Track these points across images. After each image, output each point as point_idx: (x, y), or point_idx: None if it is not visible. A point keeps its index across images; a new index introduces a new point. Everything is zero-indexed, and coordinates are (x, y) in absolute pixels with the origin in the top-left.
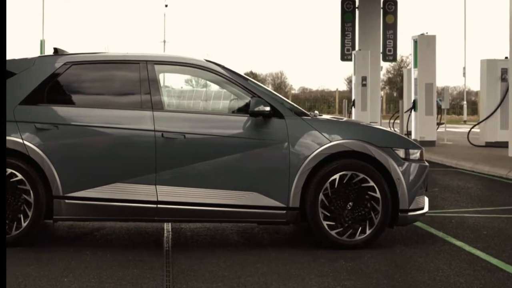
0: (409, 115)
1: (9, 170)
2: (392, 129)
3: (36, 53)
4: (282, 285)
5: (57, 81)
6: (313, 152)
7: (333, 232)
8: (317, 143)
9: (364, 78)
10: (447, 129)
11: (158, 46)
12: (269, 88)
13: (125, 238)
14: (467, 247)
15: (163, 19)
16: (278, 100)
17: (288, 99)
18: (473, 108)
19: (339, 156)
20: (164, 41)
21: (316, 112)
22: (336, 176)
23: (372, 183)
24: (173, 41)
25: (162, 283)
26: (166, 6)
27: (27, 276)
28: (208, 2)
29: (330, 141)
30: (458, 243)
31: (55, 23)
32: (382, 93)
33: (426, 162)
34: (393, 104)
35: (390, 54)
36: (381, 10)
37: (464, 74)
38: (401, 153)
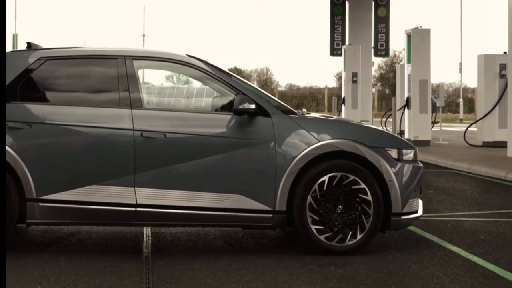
0: (402, 113)
1: None
2: (384, 128)
3: (8, 48)
4: None
5: (31, 78)
6: (300, 153)
7: (322, 237)
8: (305, 143)
9: (354, 74)
10: (442, 128)
11: (137, 41)
12: (255, 85)
13: (102, 243)
14: (464, 253)
15: (143, 11)
16: (264, 97)
17: (274, 96)
18: (470, 106)
19: (328, 156)
20: (144, 35)
21: (304, 110)
22: (325, 178)
23: (363, 185)
24: (153, 35)
25: None
26: None
27: None
28: None
29: (319, 141)
30: (454, 248)
31: (29, 16)
32: (373, 90)
33: (420, 163)
34: (385, 101)
35: (382, 49)
36: (373, 3)
37: (460, 70)
38: (393, 153)
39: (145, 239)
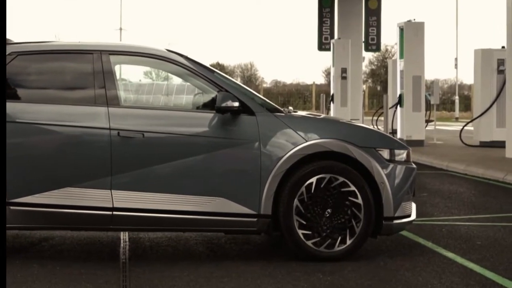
0: (394, 111)
1: None
2: (375, 127)
3: None
4: None
5: None
6: (287, 153)
7: (309, 242)
8: (291, 143)
9: (344, 70)
10: (437, 127)
11: (113, 35)
12: (238, 81)
13: (77, 249)
14: (459, 259)
15: (119, 3)
16: (248, 94)
17: (259, 93)
18: (466, 104)
19: (316, 157)
20: (121, 29)
21: (291, 108)
22: (313, 180)
23: (353, 188)
24: (131, 29)
25: None
26: None
27: None
28: None
29: (306, 141)
30: (449, 254)
31: None
32: (364, 86)
33: (413, 164)
34: (376, 99)
35: (373, 43)
36: None
37: (456, 66)
38: (385, 154)
39: (122, 245)
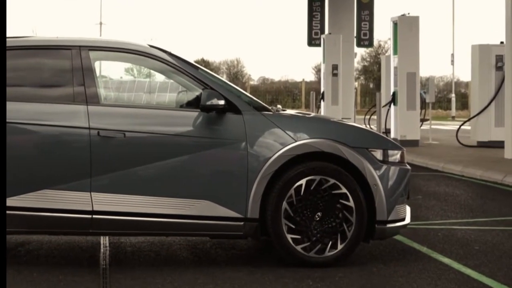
0: (388, 110)
1: None
2: (367, 126)
3: None
4: None
5: None
6: (275, 154)
7: (298, 247)
8: (280, 143)
9: (335, 67)
10: (433, 126)
11: (93, 29)
12: (224, 79)
13: (55, 254)
14: (456, 265)
15: None
16: (234, 92)
17: (246, 91)
18: (463, 102)
19: (306, 158)
20: (101, 23)
21: (279, 106)
22: (302, 182)
23: (344, 190)
24: (111, 23)
25: None
26: None
27: None
28: None
29: (295, 141)
30: (446, 260)
31: None
32: (356, 84)
33: (407, 165)
34: (369, 97)
35: (365, 38)
36: None
37: (452, 62)
38: (378, 154)
39: (102, 250)
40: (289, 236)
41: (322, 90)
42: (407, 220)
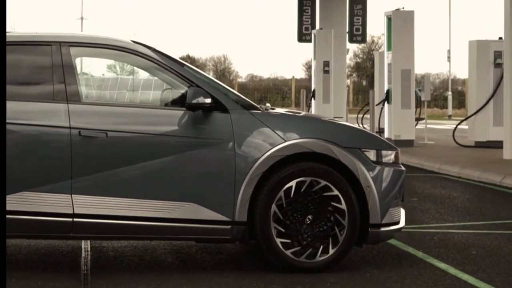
0: (382, 108)
1: None
2: (360, 125)
3: None
4: None
5: None
6: (264, 154)
7: (288, 252)
8: (269, 143)
9: (326, 63)
10: (428, 125)
11: (74, 24)
12: (210, 76)
13: (34, 259)
14: (453, 270)
15: None
16: (222, 90)
17: (233, 89)
18: (460, 100)
19: (296, 159)
20: (82, 18)
21: (268, 105)
22: (292, 183)
23: (336, 192)
24: (93, 18)
25: None
26: None
27: None
28: None
29: (285, 141)
30: (442, 265)
31: None
32: (348, 81)
33: (402, 166)
34: (362, 95)
35: (358, 34)
36: None
37: (448, 59)
38: (371, 155)
39: (83, 255)
40: (278, 240)
41: (313, 87)
42: (402, 223)
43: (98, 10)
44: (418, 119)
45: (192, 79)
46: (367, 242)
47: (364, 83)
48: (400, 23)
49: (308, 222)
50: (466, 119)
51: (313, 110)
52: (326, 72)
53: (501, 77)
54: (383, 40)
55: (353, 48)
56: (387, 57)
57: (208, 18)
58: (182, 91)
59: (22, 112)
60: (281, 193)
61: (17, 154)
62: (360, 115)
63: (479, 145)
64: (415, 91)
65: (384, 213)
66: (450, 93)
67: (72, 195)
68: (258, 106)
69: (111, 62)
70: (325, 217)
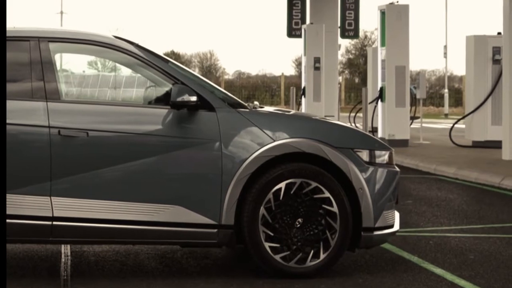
0: (375, 107)
1: None
2: (353, 125)
3: None
4: None
5: None
6: (252, 154)
7: (277, 257)
8: (257, 143)
9: (317, 60)
10: (424, 124)
11: (54, 19)
12: (196, 73)
13: (12, 264)
14: (449, 276)
15: None
16: (208, 87)
17: (220, 86)
18: (457, 98)
19: (286, 159)
20: (62, 12)
21: (256, 103)
22: (282, 185)
23: (327, 194)
24: (73, 13)
25: None
26: None
27: None
28: None
29: (274, 140)
30: (438, 270)
31: None
32: (340, 78)
33: (396, 167)
34: (354, 92)
35: (350, 28)
36: None
37: (445, 55)
38: (364, 155)
39: (63, 259)
40: (267, 245)
41: (303, 85)
42: (396, 227)
43: (79, 4)
44: (413, 118)
45: (177, 76)
46: (359, 247)
47: (356, 80)
48: (395, 18)
49: (298, 225)
50: (463, 117)
51: (303, 109)
52: (317, 68)
53: (500, 74)
54: (377, 35)
55: (345, 43)
56: (381, 53)
57: (193, 12)
58: (166, 88)
59: None
60: (270, 195)
61: None
62: (353, 114)
63: (477, 145)
64: (410, 89)
65: (377, 216)
66: (446, 90)
67: (52, 197)
68: (246, 104)
69: (92, 58)
70: (316, 221)
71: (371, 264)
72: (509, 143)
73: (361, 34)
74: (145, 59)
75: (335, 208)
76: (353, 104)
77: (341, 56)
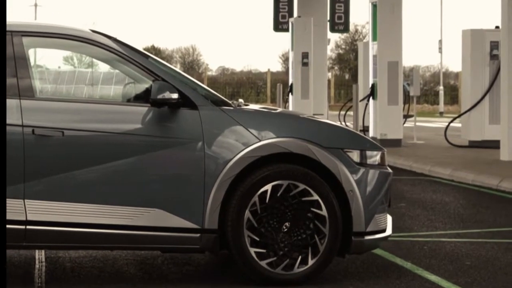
0: (366, 104)
1: None
2: (343, 123)
3: None
4: None
5: None
6: (236, 155)
7: (263, 263)
8: (242, 143)
9: (305, 55)
10: (418, 123)
11: (27, 12)
12: (177, 69)
13: None
14: (445, 283)
15: None
16: (190, 84)
17: (203, 83)
18: (453, 96)
19: (272, 160)
20: (36, 5)
21: (241, 100)
22: (268, 187)
23: (316, 197)
24: (48, 5)
25: None
26: None
27: None
28: None
29: (260, 140)
30: (433, 277)
31: None
32: (329, 74)
33: (389, 168)
34: (344, 90)
35: (340, 22)
36: None
37: (440, 50)
38: (355, 156)
39: (37, 266)
40: (252, 250)
41: (290, 81)
42: (388, 231)
43: None
44: (406, 116)
45: (157, 72)
46: (350, 252)
47: (346, 76)
48: (387, 11)
49: (285, 230)
50: (459, 116)
51: (290, 107)
52: (305, 64)
53: (498, 70)
54: (368, 29)
55: (334, 38)
56: (372, 48)
57: (175, 5)
58: (146, 85)
59: None
60: (256, 198)
61: None
62: (343, 112)
63: (474, 145)
64: (403, 86)
65: (369, 220)
66: (441, 87)
67: (25, 200)
68: (230, 102)
69: (68, 53)
70: (304, 225)
71: (362, 271)
72: (508, 143)
73: (351, 28)
74: (124, 54)
75: (324, 212)
76: (343, 102)
77: (330, 51)
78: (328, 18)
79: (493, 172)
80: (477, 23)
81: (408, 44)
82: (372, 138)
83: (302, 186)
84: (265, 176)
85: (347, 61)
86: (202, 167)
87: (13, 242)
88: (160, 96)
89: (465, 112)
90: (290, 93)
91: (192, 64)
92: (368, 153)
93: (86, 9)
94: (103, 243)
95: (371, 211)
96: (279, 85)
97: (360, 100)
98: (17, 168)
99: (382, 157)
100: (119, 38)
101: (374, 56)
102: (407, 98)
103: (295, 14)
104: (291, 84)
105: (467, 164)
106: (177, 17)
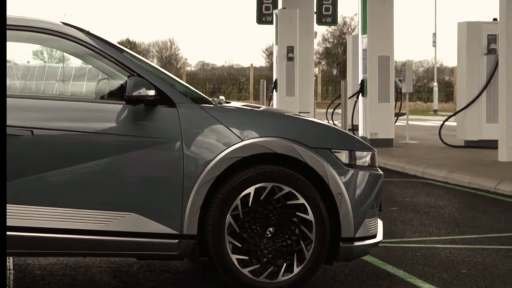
0: (355, 102)
1: None
2: (330, 122)
3: None
4: None
5: None
6: (217, 156)
7: (246, 271)
8: (223, 143)
9: (290, 49)
10: (410, 122)
11: None
12: (154, 64)
13: None
14: None
15: None
16: (167, 80)
17: (181, 79)
18: (448, 92)
19: (255, 161)
20: None
21: (222, 98)
22: (250, 190)
23: (302, 200)
24: None
25: None
26: None
27: None
28: None
29: (242, 140)
30: (426, 286)
31: None
32: (316, 70)
33: (379, 170)
34: (332, 86)
35: (327, 14)
36: None
37: (434, 44)
38: (343, 156)
39: (6, 274)
40: (234, 257)
41: (274, 77)
42: (379, 237)
43: None
44: (398, 115)
45: (133, 68)
46: (338, 259)
47: (334, 72)
48: (377, 2)
49: (269, 235)
50: (454, 114)
51: (274, 104)
52: (290, 59)
53: (496, 65)
54: (357, 21)
55: (321, 31)
56: (362, 42)
57: None
58: (121, 81)
59: None
60: (237, 202)
61: None
62: (330, 110)
63: (470, 145)
64: (395, 82)
65: (358, 225)
66: (436, 84)
67: None
68: (210, 100)
69: (37, 47)
70: (289, 230)
71: (351, 279)
72: (506, 143)
73: (339, 20)
74: (97, 48)
75: (310, 216)
76: (330, 99)
77: (317, 45)
78: (315, 10)
79: (491, 174)
80: (474, 15)
81: (400, 38)
82: (362, 137)
83: (287, 189)
84: (247, 178)
85: (335, 56)
86: (180, 168)
87: None
88: (135, 93)
89: (461, 110)
90: (274, 90)
91: (170, 58)
92: (358, 153)
93: (56, 1)
94: (75, 250)
95: (360, 215)
96: (262, 81)
97: (349, 97)
98: None
99: (373, 158)
100: (91, 31)
101: (364, 50)
102: (399, 95)
103: (280, 5)
104: (276, 80)
105: (463, 166)
106: (154, 8)
